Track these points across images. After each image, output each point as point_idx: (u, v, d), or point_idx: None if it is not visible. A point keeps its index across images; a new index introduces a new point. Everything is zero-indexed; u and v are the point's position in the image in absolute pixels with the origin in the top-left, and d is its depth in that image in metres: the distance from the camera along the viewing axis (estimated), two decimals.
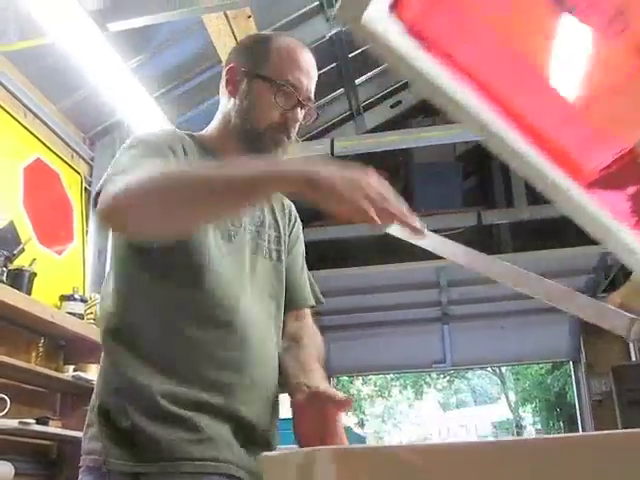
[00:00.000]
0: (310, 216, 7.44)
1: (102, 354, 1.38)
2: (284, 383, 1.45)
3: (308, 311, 1.69)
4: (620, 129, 1.06)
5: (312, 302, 1.69)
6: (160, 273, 1.35)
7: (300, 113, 1.49)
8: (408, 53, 0.95)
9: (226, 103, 1.52)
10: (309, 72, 1.50)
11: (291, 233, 1.64)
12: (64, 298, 3.83)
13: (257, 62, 1.47)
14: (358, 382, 21.43)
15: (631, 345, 7.21)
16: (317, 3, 4.81)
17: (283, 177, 1.14)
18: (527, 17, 0.99)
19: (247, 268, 1.45)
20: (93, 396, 1.36)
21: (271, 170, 1.17)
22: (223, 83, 1.52)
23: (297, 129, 1.51)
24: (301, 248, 1.68)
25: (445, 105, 0.99)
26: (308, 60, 1.51)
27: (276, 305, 1.53)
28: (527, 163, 1.04)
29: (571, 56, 1.02)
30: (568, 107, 1.05)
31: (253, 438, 1.37)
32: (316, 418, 1.32)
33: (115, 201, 1.18)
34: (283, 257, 1.57)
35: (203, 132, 1.55)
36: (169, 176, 1.20)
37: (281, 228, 1.58)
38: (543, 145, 1.04)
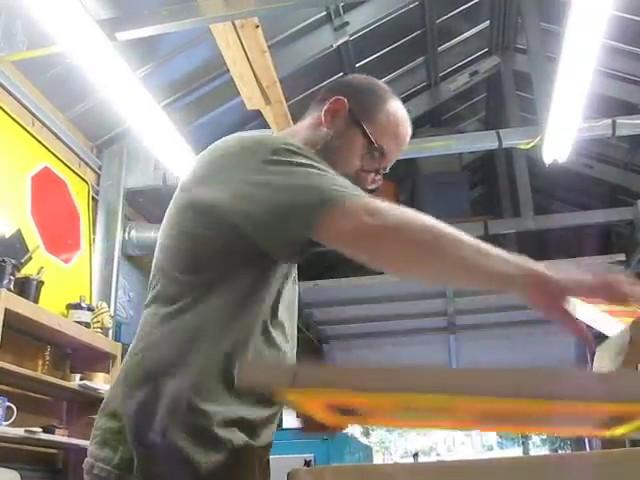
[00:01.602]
0: None
1: (132, 368, 1.31)
2: None
3: None
4: None
5: None
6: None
7: (373, 177, 1.49)
8: None
9: (316, 127, 1.49)
10: (401, 148, 1.52)
11: None
12: (71, 306, 3.84)
13: (366, 113, 1.46)
14: None
15: None
16: (324, 13, 4.82)
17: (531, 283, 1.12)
18: None
19: (290, 301, 1.46)
20: (109, 404, 1.33)
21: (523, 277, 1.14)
22: (325, 107, 1.48)
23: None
24: None
25: None
26: (407, 136, 1.52)
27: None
28: None
29: None
30: None
31: (267, 458, 1.38)
32: None
33: (390, 226, 1.14)
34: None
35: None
36: (447, 237, 1.14)
37: None
38: None
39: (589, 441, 7.92)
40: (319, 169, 1.22)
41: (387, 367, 0.91)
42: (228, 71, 4.00)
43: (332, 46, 5.04)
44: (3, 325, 2.92)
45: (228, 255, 1.29)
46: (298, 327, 1.59)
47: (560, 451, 17.95)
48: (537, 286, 1.10)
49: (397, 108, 1.50)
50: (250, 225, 1.22)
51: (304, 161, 1.23)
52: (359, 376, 0.88)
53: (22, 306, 3.16)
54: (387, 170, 1.52)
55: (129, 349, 1.37)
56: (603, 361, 1.29)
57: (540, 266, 1.13)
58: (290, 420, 4.38)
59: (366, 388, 0.86)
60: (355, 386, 0.87)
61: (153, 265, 1.41)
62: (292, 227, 1.18)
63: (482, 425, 1.17)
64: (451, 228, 1.14)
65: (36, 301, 3.40)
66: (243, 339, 1.29)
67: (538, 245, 7.07)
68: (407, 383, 0.84)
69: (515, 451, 22.06)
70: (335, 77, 5.30)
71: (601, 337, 1.31)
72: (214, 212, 1.26)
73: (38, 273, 3.54)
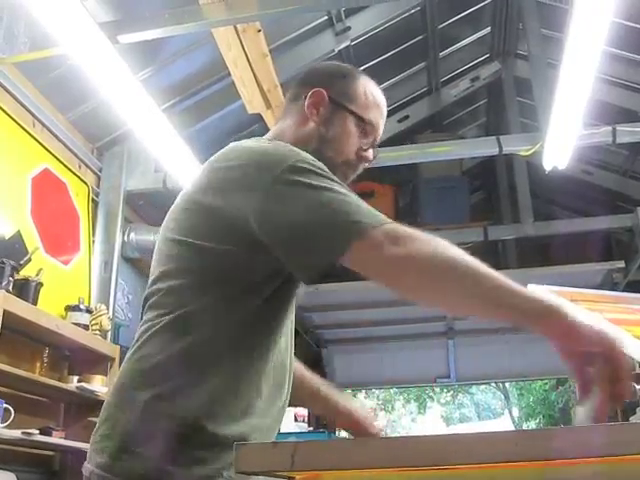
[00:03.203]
0: None
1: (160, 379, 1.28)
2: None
3: None
4: None
5: None
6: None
7: (372, 153, 1.51)
8: None
9: (303, 123, 1.49)
10: (385, 116, 1.54)
11: None
12: (69, 308, 3.83)
13: (346, 95, 1.49)
14: (361, 395, 21.38)
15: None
16: (326, 18, 4.83)
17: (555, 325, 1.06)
18: None
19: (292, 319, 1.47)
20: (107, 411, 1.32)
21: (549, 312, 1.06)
22: (306, 103, 1.48)
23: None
24: None
25: None
26: (385, 104, 1.55)
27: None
28: None
29: None
30: None
31: None
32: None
33: (409, 259, 1.14)
34: None
35: None
36: (468, 270, 1.12)
37: None
38: None
39: None
40: (338, 191, 1.21)
41: (392, 439, 0.89)
42: (229, 75, 4.00)
43: (334, 51, 5.04)
44: (1, 326, 2.92)
45: (248, 271, 1.28)
46: (297, 331, 1.60)
47: None
48: (559, 330, 1.06)
49: (368, 82, 1.54)
50: (276, 245, 1.22)
51: (322, 183, 1.21)
52: (363, 452, 0.85)
53: (21, 308, 3.16)
54: (378, 141, 1.53)
55: (128, 355, 1.36)
56: None
57: (560, 303, 1.09)
58: (287, 424, 4.38)
59: (370, 465, 0.85)
60: (359, 464, 0.85)
61: (155, 270, 1.40)
62: (319, 252, 1.18)
63: None
64: (472, 259, 1.13)
65: (35, 303, 3.40)
66: (254, 359, 1.31)
67: (537, 251, 7.07)
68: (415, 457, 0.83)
69: None
70: None
71: None
72: (235, 226, 1.25)
73: (37, 275, 3.54)
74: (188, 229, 1.32)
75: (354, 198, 1.21)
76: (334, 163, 1.42)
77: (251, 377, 1.30)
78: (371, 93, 1.51)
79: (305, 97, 1.49)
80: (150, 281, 1.39)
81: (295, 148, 1.32)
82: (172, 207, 1.43)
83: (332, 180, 1.24)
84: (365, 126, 1.48)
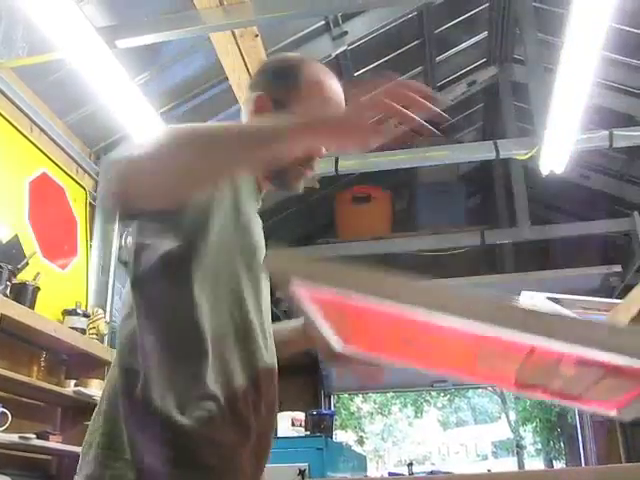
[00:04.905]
0: (315, 233, 7.44)
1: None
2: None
3: None
4: None
5: None
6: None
7: (321, 150, 1.43)
8: None
9: None
10: (337, 104, 1.45)
11: None
12: (67, 313, 3.83)
13: (287, 93, 1.43)
14: (358, 399, 21.36)
15: None
16: (323, 22, 4.83)
17: (309, 126, 1.12)
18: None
19: (262, 297, 1.42)
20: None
21: (297, 122, 1.14)
22: (250, 108, 1.47)
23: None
24: None
25: None
26: (337, 91, 1.46)
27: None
28: None
29: None
30: None
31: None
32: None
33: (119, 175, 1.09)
34: None
35: None
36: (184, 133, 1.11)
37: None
38: None
39: (584, 450, 7.91)
40: None
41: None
42: (226, 79, 4.01)
43: (331, 55, 5.05)
44: None
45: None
46: None
47: (555, 462, 17.95)
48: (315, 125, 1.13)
49: (314, 71, 1.46)
50: None
51: None
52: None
53: (18, 312, 3.16)
54: None
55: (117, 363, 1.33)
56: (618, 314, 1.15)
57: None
58: (284, 429, 4.37)
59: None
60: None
61: None
62: None
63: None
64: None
65: (32, 307, 3.40)
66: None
67: (535, 255, 7.07)
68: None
69: (509, 461, 22.04)
70: None
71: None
72: None
73: (34, 279, 3.54)
74: None
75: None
76: (283, 164, 1.38)
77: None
78: (317, 86, 1.44)
79: (252, 102, 1.47)
80: None
81: None
82: None
83: None
84: None
